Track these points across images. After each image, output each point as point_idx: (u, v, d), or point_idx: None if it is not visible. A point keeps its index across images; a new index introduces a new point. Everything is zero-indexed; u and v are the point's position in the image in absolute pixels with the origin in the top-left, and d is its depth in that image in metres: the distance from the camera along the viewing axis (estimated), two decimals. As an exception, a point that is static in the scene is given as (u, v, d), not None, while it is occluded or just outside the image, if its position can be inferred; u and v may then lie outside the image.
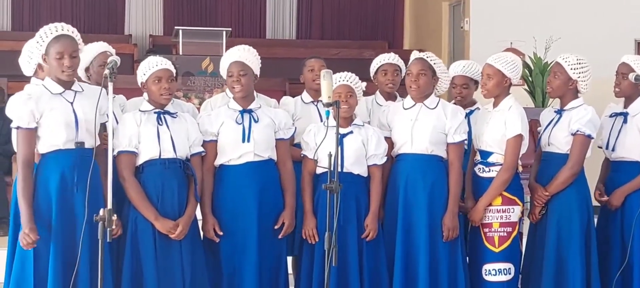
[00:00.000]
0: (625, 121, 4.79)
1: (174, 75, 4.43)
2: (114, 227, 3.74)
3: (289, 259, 4.95)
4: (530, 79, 9.19)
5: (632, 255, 4.67)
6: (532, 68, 9.17)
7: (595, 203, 4.87)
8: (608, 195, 4.83)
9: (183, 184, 4.38)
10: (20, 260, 4.08)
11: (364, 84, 4.73)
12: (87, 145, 4.08)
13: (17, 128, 4.04)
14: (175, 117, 4.43)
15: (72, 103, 4.12)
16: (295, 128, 4.82)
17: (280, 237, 4.59)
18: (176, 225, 4.28)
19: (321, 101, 4.29)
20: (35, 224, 3.97)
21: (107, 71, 3.78)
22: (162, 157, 4.32)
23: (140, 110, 4.39)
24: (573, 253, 4.65)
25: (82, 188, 3.97)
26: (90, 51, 4.60)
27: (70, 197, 4.04)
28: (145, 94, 4.53)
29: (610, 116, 4.89)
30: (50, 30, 4.08)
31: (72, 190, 4.03)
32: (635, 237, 4.66)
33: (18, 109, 4.04)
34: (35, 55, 4.12)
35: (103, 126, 4.17)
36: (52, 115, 4.06)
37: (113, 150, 3.99)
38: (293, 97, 5.36)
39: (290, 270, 4.93)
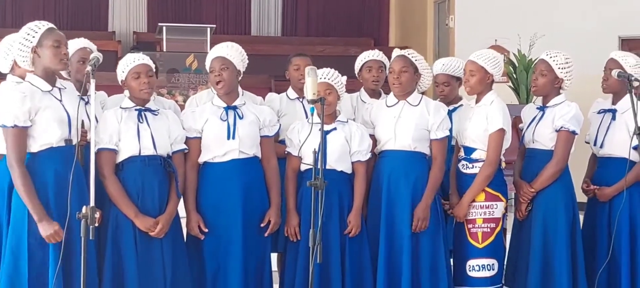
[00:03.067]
0: (613, 118, 4.80)
1: (153, 69, 4.41)
2: (96, 224, 3.72)
3: (274, 256, 4.94)
4: (514, 75, 9.23)
5: (620, 250, 4.69)
6: (517, 65, 9.21)
7: (579, 199, 4.88)
8: (598, 190, 4.83)
9: (164, 182, 4.36)
10: (12, 257, 4.03)
11: (345, 78, 4.71)
12: (74, 142, 4.07)
13: (13, 127, 3.97)
14: (156, 114, 4.41)
15: (61, 101, 4.11)
16: (280, 125, 4.81)
17: (266, 235, 4.57)
18: (156, 223, 4.26)
19: (306, 98, 4.27)
20: (33, 221, 3.96)
21: (89, 68, 3.77)
22: (142, 154, 4.30)
23: (121, 107, 4.38)
24: (559, 249, 4.66)
25: (77, 184, 3.96)
26: (69, 47, 4.57)
27: (66, 195, 3.96)
28: (126, 91, 4.51)
29: (599, 112, 4.90)
30: (41, 24, 4.09)
31: (66, 188, 3.97)
32: (622, 232, 4.68)
33: (14, 107, 3.98)
34: (20, 49, 4.07)
35: (84, 123, 4.15)
36: (46, 114, 4.03)
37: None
38: (278, 94, 5.34)
39: (274, 267, 4.93)
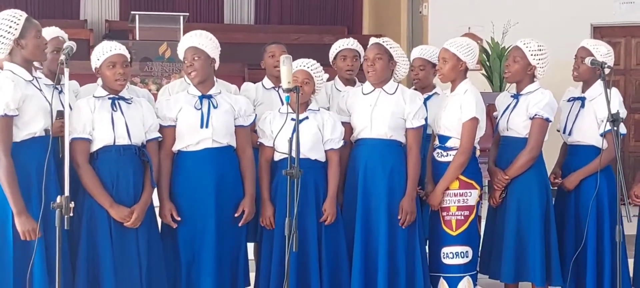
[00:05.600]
0: (582, 105, 4.85)
1: (129, 60, 4.38)
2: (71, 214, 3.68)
3: (251, 246, 4.94)
4: (487, 63, 9.27)
5: (587, 235, 4.73)
6: (490, 53, 9.25)
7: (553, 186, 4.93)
8: (564, 179, 4.89)
9: (139, 171, 4.34)
10: None
11: (327, 76, 4.72)
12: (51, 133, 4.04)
13: (3, 115, 3.94)
14: (130, 103, 4.38)
15: (41, 90, 4.10)
16: (256, 115, 4.80)
17: (240, 224, 4.56)
18: (131, 213, 4.24)
19: (282, 87, 4.26)
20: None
21: (63, 57, 3.74)
22: (116, 143, 4.27)
23: (94, 96, 4.34)
24: (533, 235, 4.71)
25: (56, 174, 3.95)
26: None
27: (49, 184, 3.93)
28: (99, 80, 4.47)
29: (568, 100, 4.94)
30: (19, 13, 4.05)
31: (49, 178, 3.94)
32: (590, 220, 4.72)
33: (6, 95, 3.95)
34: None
35: (59, 113, 4.11)
36: (32, 103, 4.02)
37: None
38: (252, 82, 5.33)
39: (251, 257, 4.92)
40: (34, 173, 4.00)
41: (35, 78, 4.14)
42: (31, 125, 4.03)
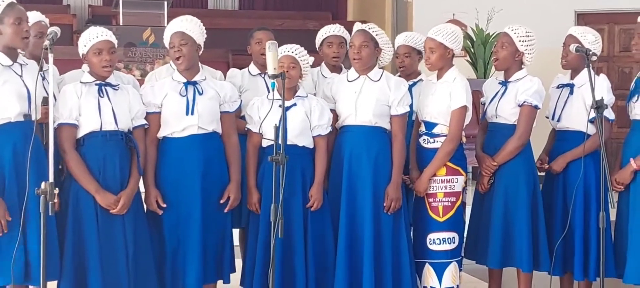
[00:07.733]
0: (571, 92, 4.86)
1: (116, 46, 4.36)
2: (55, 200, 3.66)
3: (236, 232, 4.93)
4: (472, 50, 9.30)
5: (573, 220, 4.76)
6: (475, 39, 9.28)
7: (540, 173, 4.95)
8: (551, 163, 4.90)
9: (125, 157, 4.33)
10: None
11: (312, 59, 4.71)
12: (33, 118, 4.02)
13: None
14: (116, 89, 4.36)
15: (21, 76, 4.06)
16: (241, 101, 4.79)
17: (225, 211, 4.56)
18: (117, 200, 4.23)
19: (268, 73, 4.25)
20: None
21: (47, 42, 3.71)
22: (103, 129, 4.26)
23: (81, 82, 4.32)
24: (520, 221, 4.73)
25: (35, 161, 3.91)
26: None
27: (24, 170, 3.91)
28: (84, 66, 4.45)
29: (557, 87, 4.96)
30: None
31: (25, 163, 3.91)
32: (576, 203, 4.75)
33: None
34: None
35: (45, 100, 4.09)
36: (4, 88, 3.99)
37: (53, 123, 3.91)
38: (236, 68, 5.31)
39: (237, 242, 4.92)
40: (8, 159, 3.98)
41: (20, 64, 4.09)
42: (4, 111, 4.00)
